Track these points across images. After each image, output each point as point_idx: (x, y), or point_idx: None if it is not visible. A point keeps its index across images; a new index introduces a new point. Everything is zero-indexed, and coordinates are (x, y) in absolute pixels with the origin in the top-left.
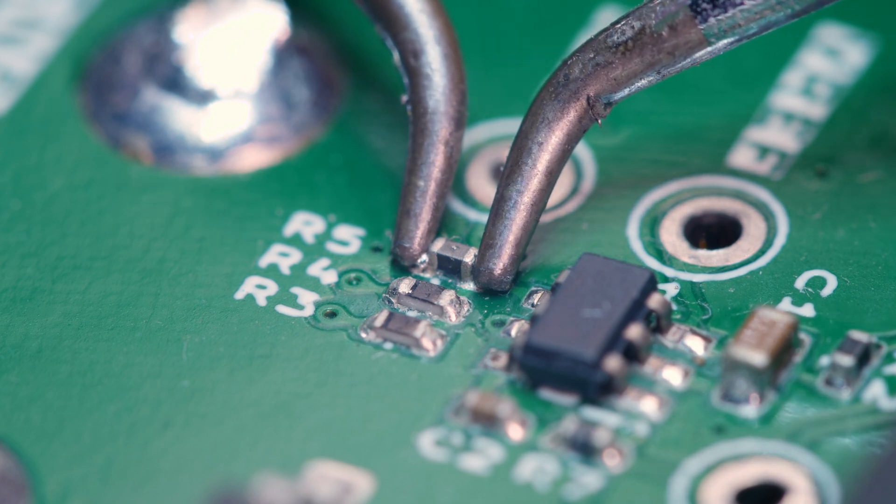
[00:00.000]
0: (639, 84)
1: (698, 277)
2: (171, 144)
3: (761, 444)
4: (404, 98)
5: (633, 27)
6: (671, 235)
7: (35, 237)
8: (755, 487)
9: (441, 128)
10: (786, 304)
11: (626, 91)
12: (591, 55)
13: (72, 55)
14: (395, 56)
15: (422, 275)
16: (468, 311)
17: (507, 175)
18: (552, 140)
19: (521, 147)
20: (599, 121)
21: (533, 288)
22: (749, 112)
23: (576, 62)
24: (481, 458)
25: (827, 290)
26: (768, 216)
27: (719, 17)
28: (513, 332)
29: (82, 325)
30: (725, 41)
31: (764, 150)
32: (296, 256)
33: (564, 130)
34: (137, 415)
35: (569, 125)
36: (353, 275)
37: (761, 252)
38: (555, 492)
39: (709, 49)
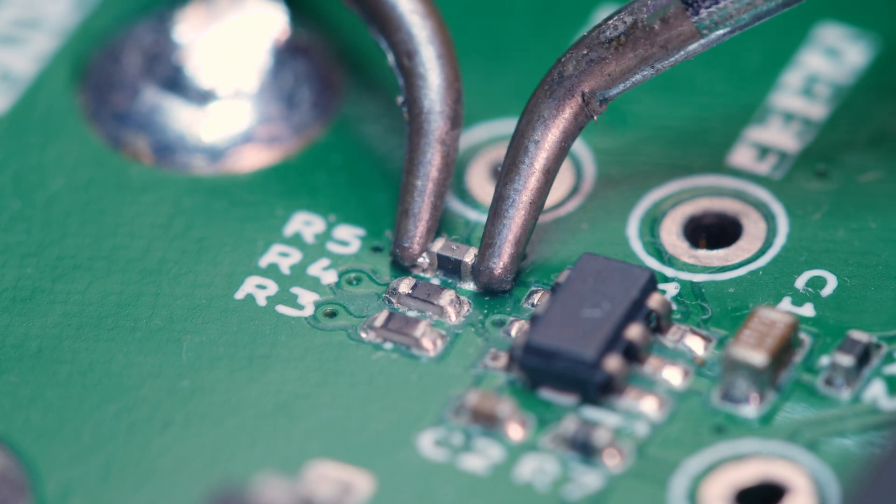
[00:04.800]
0: (633, 79)
1: (698, 277)
2: (171, 144)
3: (761, 444)
4: (399, 100)
5: (625, 22)
6: (671, 235)
7: (35, 237)
8: (755, 487)
9: (437, 127)
10: (786, 304)
11: (622, 87)
12: (585, 51)
13: (72, 55)
14: (390, 58)
15: (422, 275)
16: (468, 311)
17: (504, 174)
18: (549, 138)
19: (518, 146)
20: (595, 117)
21: (533, 288)
22: (749, 112)
23: (569, 59)
24: (481, 458)
25: (827, 290)
26: (768, 216)
27: (711, 9)
28: (513, 332)
29: (82, 325)
30: (718, 32)
31: (764, 150)
32: (296, 256)
33: (560, 128)
34: (137, 415)
35: (565, 123)
36: (353, 275)
37: (761, 252)
38: (555, 492)
39: (702, 41)
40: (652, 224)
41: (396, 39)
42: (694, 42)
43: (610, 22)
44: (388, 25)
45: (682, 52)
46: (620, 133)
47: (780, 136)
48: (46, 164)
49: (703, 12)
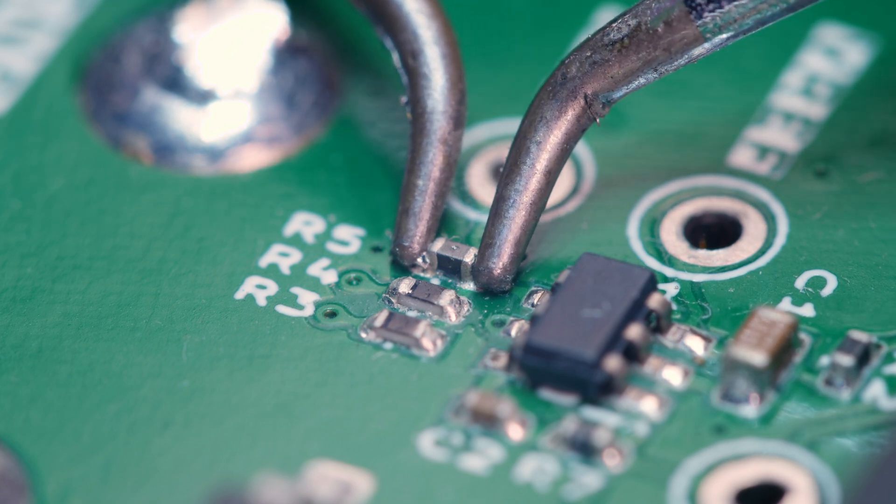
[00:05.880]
0: (637, 82)
1: (698, 277)
2: (171, 144)
3: (761, 444)
4: (403, 99)
5: (629, 25)
6: (671, 235)
7: (35, 237)
8: (755, 487)
9: (439, 127)
10: (786, 304)
11: (625, 90)
12: (588, 53)
13: (72, 55)
14: (395, 57)
15: (422, 275)
16: (468, 311)
17: (506, 175)
18: (551, 139)
19: (520, 147)
20: (598, 120)
21: (533, 288)
22: (749, 112)
23: (573, 61)
24: (481, 458)
25: (827, 290)
26: (768, 216)
27: (714, 13)
28: (513, 332)
29: (82, 325)
30: (722, 37)
31: (764, 150)
32: (296, 256)
33: (563, 130)
34: (137, 415)
35: (567, 124)
36: (353, 275)
37: (761, 252)
38: (555, 492)
39: (705, 45)
40: (652, 224)
41: (402, 39)
42: (697, 46)
43: (614, 24)
44: (394, 24)
45: (686, 56)
46: (621, 133)
47: (780, 136)
48: (46, 164)
49: (707, 16)
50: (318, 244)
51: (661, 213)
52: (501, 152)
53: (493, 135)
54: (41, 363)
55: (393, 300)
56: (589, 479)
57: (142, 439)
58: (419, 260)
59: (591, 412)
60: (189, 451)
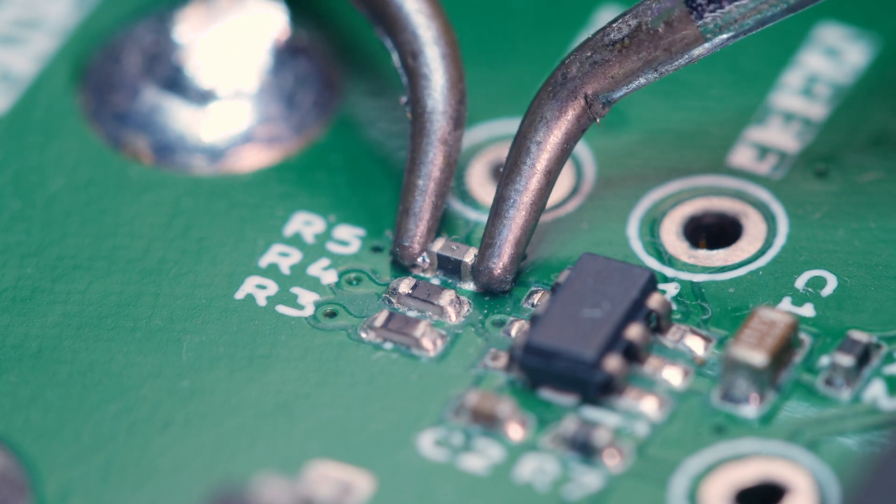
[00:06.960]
0: (637, 82)
1: (698, 277)
2: (171, 144)
3: (761, 444)
4: (403, 99)
5: (629, 25)
6: (671, 235)
7: (35, 237)
8: (755, 487)
9: (439, 127)
10: (786, 304)
11: (625, 90)
12: (589, 53)
13: (72, 55)
14: (395, 57)
15: (422, 275)
16: (468, 311)
17: (506, 175)
18: (551, 140)
19: (520, 147)
20: (598, 120)
21: (533, 288)
22: (749, 112)
23: (573, 61)
24: (481, 458)
25: (827, 290)
26: (768, 216)
27: (715, 13)
28: (513, 332)
29: (82, 325)
30: (722, 37)
31: (764, 150)
32: (296, 256)
33: (563, 130)
34: (137, 415)
35: (567, 124)
36: (353, 275)
37: (761, 252)
38: (555, 492)
39: (706, 45)
40: (652, 224)
41: (401, 39)
42: (698, 46)
43: (614, 25)
44: (393, 25)
45: (686, 57)
46: (621, 133)
47: (780, 136)
48: (46, 164)
49: (708, 16)
50: (318, 244)
51: (661, 213)
52: (501, 152)
53: (493, 135)
54: (41, 363)
55: (393, 300)
56: (589, 479)
57: (142, 439)
58: (419, 260)
59: (591, 412)
60: (189, 451)
